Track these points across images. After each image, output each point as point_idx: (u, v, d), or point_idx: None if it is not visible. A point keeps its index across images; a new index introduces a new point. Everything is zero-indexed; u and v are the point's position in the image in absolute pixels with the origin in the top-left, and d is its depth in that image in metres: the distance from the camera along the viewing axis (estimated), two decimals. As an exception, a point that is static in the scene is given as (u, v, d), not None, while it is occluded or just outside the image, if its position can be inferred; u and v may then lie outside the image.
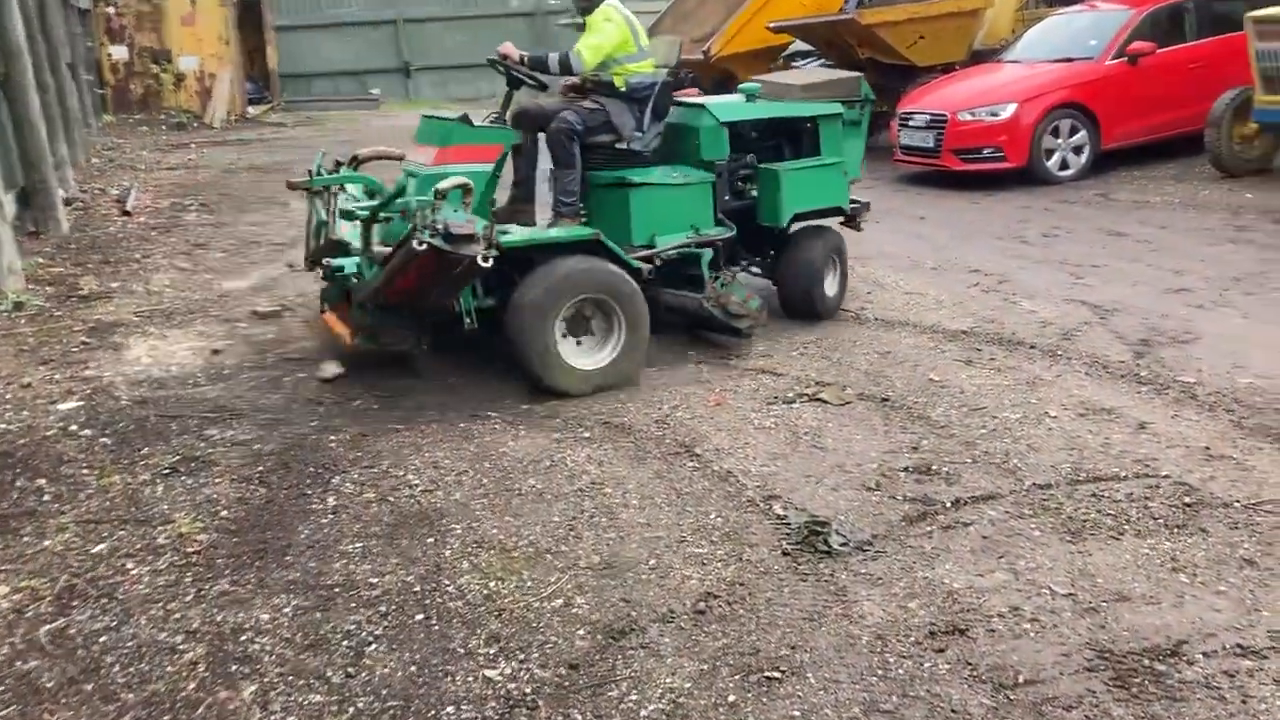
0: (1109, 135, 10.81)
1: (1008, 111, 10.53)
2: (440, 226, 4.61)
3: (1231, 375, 5.19)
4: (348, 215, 5.48)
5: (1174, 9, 11.35)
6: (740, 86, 6.60)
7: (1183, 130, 10.97)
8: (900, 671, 3.04)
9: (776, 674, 3.04)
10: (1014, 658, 3.07)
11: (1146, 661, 3.02)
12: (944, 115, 10.80)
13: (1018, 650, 3.11)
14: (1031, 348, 5.78)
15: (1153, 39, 10.85)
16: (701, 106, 6.24)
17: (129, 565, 3.78)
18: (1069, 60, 11.09)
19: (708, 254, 6.00)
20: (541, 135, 6.10)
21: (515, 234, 5.34)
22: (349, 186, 5.96)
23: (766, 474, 4.36)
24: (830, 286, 6.50)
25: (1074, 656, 3.07)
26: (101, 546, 3.91)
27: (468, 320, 5.27)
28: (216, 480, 4.51)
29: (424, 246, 4.60)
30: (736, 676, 3.04)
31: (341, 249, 5.50)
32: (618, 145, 6.05)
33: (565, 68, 5.92)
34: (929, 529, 3.85)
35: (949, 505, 4.02)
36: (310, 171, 5.87)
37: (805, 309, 6.44)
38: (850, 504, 4.07)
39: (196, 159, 16.16)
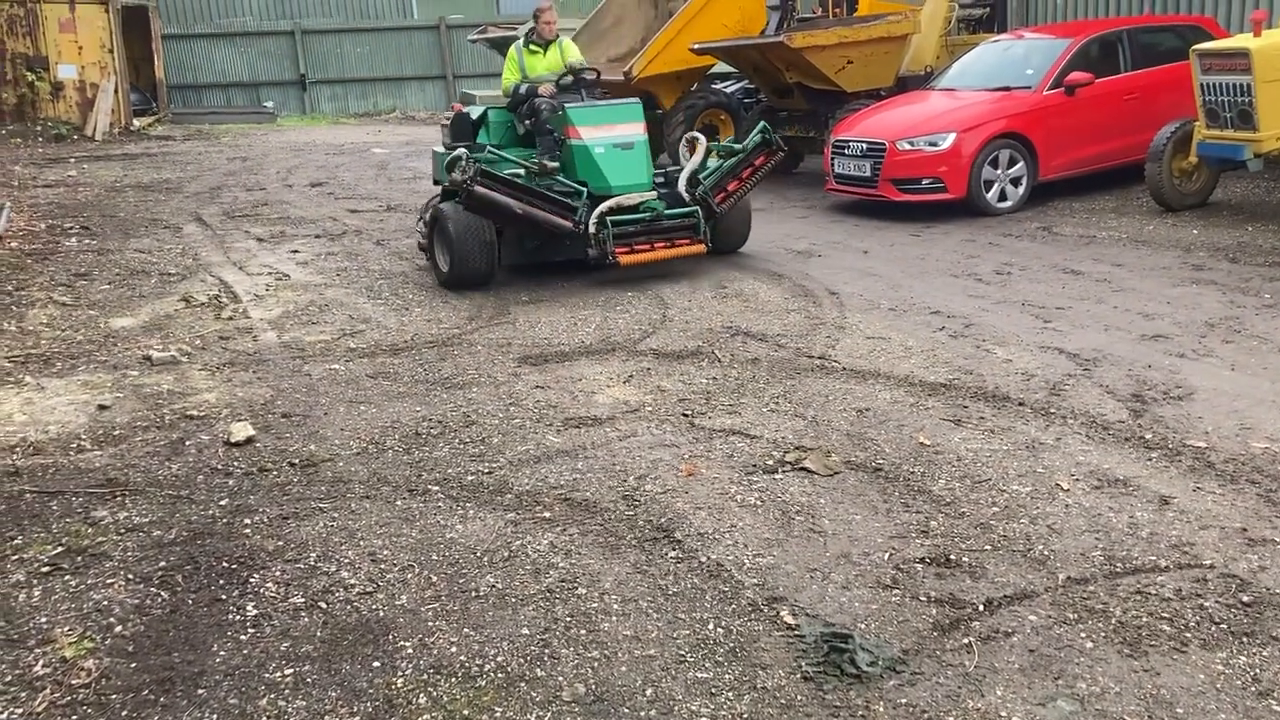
0: (1047, 167, 10.54)
1: (947, 141, 10.16)
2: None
3: (1244, 439, 4.79)
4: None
5: (1106, 39, 11.18)
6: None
7: (1119, 162, 10.80)
8: None
9: None
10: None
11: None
12: (882, 144, 10.39)
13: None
14: (1020, 404, 5.31)
15: (1089, 69, 10.63)
16: None
17: (-3, 708, 3.04)
18: (1006, 89, 10.78)
19: None
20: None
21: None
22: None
23: (764, 567, 3.77)
24: None
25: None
26: (-39, 681, 3.16)
27: None
28: (109, 581, 3.77)
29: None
30: None
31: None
32: None
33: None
34: (965, 640, 3.31)
35: (981, 608, 3.48)
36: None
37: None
38: (868, 607, 3.50)
39: (77, 175, 15.05)
